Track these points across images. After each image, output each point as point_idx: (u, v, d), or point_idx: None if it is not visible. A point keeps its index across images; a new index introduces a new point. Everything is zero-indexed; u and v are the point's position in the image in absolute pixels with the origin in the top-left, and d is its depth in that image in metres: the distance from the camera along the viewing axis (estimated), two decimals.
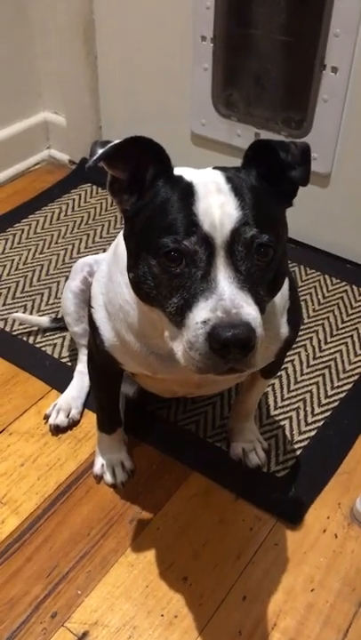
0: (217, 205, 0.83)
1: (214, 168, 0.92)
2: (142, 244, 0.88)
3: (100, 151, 0.85)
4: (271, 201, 0.90)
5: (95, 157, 0.85)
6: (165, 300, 0.86)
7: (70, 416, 1.48)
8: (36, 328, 1.72)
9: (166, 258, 0.83)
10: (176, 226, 0.83)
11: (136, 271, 0.89)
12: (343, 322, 1.76)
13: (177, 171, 0.90)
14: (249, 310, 0.81)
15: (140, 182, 0.89)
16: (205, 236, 0.82)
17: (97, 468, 1.37)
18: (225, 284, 0.81)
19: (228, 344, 0.79)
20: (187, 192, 0.85)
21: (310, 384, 1.58)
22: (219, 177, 0.88)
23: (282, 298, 1.07)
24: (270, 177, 0.90)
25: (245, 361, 0.82)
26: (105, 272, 1.09)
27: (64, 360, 1.64)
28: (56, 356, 1.65)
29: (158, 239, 0.83)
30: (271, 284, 0.89)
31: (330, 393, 1.56)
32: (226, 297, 0.80)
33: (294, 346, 1.62)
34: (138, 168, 0.89)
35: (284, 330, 1.09)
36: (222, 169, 0.91)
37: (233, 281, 0.82)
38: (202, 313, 0.81)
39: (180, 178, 0.88)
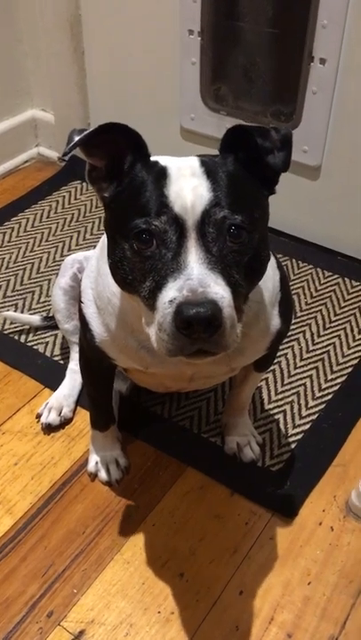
0: (189, 188, 0.83)
1: (197, 156, 0.91)
2: (117, 229, 0.88)
3: (77, 138, 0.85)
4: (248, 185, 0.89)
5: (71, 144, 0.86)
6: (140, 285, 0.85)
7: (62, 414, 1.47)
8: (27, 327, 1.70)
9: (137, 240, 0.83)
10: (148, 207, 0.83)
11: (113, 257, 0.89)
12: (336, 314, 1.76)
13: (159, 159, 0.90)
14: (217, 289, 0.79)
15: (119, 170, 0.90)
16: (176, 216, 0.82)
17: (91, 466, 1.37)
18: (195, 265, 0.80)
19: (193, 322, 0.77)
20: (160, 175, 0.85)
21: (304, 377, 1.58)
22: (194, 161, 0.88)
23: (273, 290, 1.07)
24: (250, 163, 0.89)
25: (213, 341, 0.80)
26: (94, 266, 1.09)
27: (56, 358, 1.63)
28: (48, 354, 1.64)
29: (130, 221, 0.84)
30: (249, 270, 0.87)
31: (323, 386, 1.56)
32: (194, 276, 0.79)
33: (287, 339, 1.62)
34: (116, 156, 0.89)
35: (276, 322, 1.08)
36: (201, 155, 0.90)
37: (203, 262, 0.81)
38: (170, 293, 0.80)
39: (155, 163, 0.89)
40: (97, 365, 1.20)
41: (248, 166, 0.89)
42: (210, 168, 0.86)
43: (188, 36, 1.87)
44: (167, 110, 2.04)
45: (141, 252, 0.84)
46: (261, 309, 1.05)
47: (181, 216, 0.82)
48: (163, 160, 0.89)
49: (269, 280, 1.06)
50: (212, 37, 1.86)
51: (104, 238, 1.07)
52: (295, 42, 1.71)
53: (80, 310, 1.12)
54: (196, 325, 0.78)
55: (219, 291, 0.79)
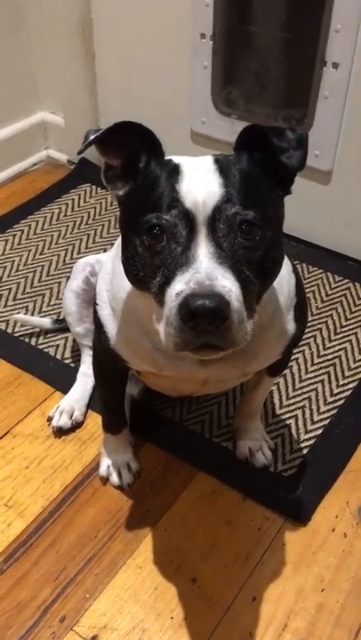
0: (201, 184, 0.83)
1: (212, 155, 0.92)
2: (130, 226, 0.89)
3: (92, 137, 0.87)
4: (262, 184, 0.89)
5: (87, 142, 0.87)
6: (150, 281, 0.85)
7: (73, 418, 1.46)
8: (38, 329, 1.70)
9: (148, 235, 0.84)
10: (159, 203, 0.84)
11: (126, 254, 0.90)
12: (347, 319, 1.75)
13: (173, 158, 0.91)
14: (224, 283, 0.79)
15: (135, 168, 0.91)
16: (187, 211, 0.82)
17: (103, 470, 1.36)
18: (204, 259, 0.80)
19: (198, 314, 0.77)
20: (173, 172, 0.86)
21: (315, 382, 1.57)
22: (208, 159, 0.89)
23: (288, 294, 1.06)
24: (265, 162, 0.89)
25: (219, 335, 0.80)
26: (109, 267, 1.09)
27: (67, 361, 1.62)
28: (59, 357, 1.63)
29: (142, 217, 0.84)
30: (261, 268, 0.86)
31: (335, 391, 1.55)
32: (202, 270, 0.79)
33: (298, 344, 1.61)
34: (131, 155, 0.90)
35: (291, 326, 1.08)
36: (216, 155, 0.91)
37: (213, 256, 0.81)
38: (178, 286, 0.80)
39: (169, 161, 0.89)
40: (111, 368, 1.20)
41: (263, 166, 0.90)
42: (223, 165, 0.87)
43: (200, 40, 1.87)
44: (178, 114, 2.03)
45: (152, 247, 0.84)
46: (277, 313, 1.04)
47: (192, 211, 0.82)
48: (177, 158, 0.90)
49: (285, 284, 1.05)
50: (224, 41, 1.86)
51: (120, 239, 1.08)
52: (308, 46, 1.71)
53: (95, 312, 1.12)
54: (200, 317, 0.77)
55: (226, 284, 0.79)
